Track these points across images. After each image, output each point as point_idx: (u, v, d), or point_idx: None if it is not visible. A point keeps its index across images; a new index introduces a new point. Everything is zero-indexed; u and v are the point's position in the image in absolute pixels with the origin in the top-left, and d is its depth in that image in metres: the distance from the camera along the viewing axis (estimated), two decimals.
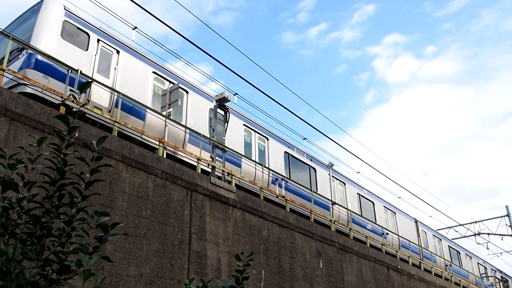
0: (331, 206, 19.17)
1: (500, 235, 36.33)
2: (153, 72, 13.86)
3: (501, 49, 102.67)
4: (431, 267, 24.62)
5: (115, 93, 11.80)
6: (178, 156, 13.14)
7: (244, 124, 16.63)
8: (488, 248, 38.38)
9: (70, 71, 10.51)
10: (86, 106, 10.35)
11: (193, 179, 11.66)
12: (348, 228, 18.77)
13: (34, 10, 12.01)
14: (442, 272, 25.72)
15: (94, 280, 2.18)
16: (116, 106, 11.79)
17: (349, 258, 17.02)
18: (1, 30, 9.88)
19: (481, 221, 37.41)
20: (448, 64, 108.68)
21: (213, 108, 14.50)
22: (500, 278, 38.19)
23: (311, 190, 17.62)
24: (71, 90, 10.55)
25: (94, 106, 11.50)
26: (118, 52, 13.05)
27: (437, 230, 33.20)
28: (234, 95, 16.17)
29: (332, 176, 20.92)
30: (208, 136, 13.93)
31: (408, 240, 24.08)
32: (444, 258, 28.50)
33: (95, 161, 2.67)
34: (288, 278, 13.55)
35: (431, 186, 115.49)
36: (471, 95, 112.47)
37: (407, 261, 22.70)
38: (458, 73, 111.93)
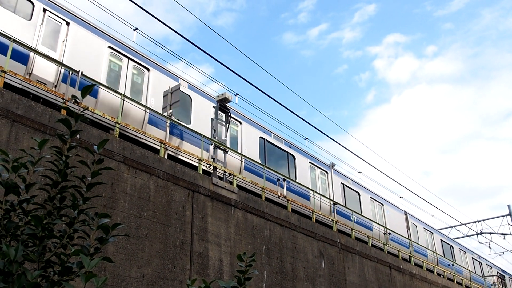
0: (311, 195, 18.18)
1: (502, 234, 36.28)
2: (109, 47, 12.76)
3: (502, 48, 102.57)
4: (423, 262, 23.77)
5: (63, 67, 10.94)
6: (180, 157, 13.15)
7: (214, 107, 15.23)
8: (490, 248, 38.36)
9: (12, 40, 9.57)
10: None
11: (194, 179, 11.66)
12: (330, 219, 17.70)
13: None
14: (434, 267, 24.84)
15: (95, 282, 2.19)
16: (64, 81, 11.05)
17: (351, 258, 17.01)
18: (2, 32, 9.87)
19: (483, 220, 37.38)
20: (449, 64, 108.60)
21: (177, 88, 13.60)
22: (496, 274, 37.44)
23: (287, 178, 16.55)
24: (73, 97, 10.55)
25: (37, 81, 10.65)
26: (68, 23, 11.98)
27: (439, 229, 33.02)
28: (235, 95, 16.18)
29: (313, 164, 19.67)
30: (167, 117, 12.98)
31: (396, 232, 22.92)
32: (436, 252, 27.19)
33: (96, 163, 2.68)
34: (290, 279, 13.55)
35: (432, 185, 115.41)
36: (471, 94, 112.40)
37: (409, 261, 22.68)
38: (458, 72, 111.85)
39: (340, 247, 16.61)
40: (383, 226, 22.12)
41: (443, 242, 29.95)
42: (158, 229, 10.24)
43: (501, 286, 36.05)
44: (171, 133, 13.29)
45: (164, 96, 13.43)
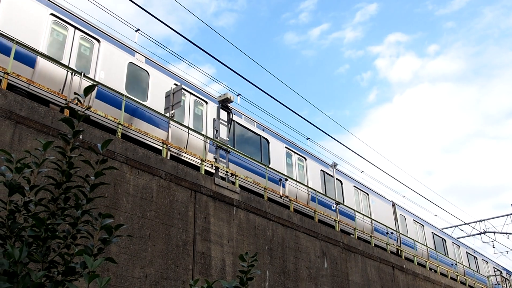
0: (284, 181, 16.84)
1: (506, 233, 36.23)
2: (52, 14, 11.60)
3: (504, 47, 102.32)
4: (414, 256, 22.91)
5: None
6: (182, 157, 13.17)
7: (175, 84, 14.22)
8: (494, 247, 38.27)
9: None
10: (91, 109, 10.16)
11: (197, 180, 11.68)
12: (308, 208, 16.72)
13: None
14: (427, 262, 23.98)
15: (99, 282, 2.21)
16: None
17: (354, 258, 17.01)
18: (4, 34, 9.91)
19: (486, 219, 37.33)
20: (451, 63, 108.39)
21: (133, 62, 12.99)
22: (493, 270, 36.52)
23: (258, 162, 15.24)
24: (75, 94, 10.58)
25: None
26: None
27: (442, 229, 32.82)
28: (237, 95, 16.20)
29: (289, 149, 18.39)
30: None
31: (381, 223, 21.67)
32: (426, 246, 25.81)
33: (100, 164, 2.70)
34: (293, 278, 13.56)
35: (435, 185, 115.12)
36: (474, 93, 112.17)
37: (412, 260, 22.66)
38: (461, 71, 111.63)
39: (343, 246, 16.61)
40: (367, 216, 20.82)
41: (434, 235, 28.49)
42: (160, 230, 10.27)
43: (498, 280, 35.27)
44: (125, 110, 12.09)
45: (166, 97, 13.45)
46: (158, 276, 9.82)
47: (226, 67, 12.92)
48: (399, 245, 23.01)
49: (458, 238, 36.04)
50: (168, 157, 12.13)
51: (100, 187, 9.08)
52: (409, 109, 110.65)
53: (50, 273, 2.47)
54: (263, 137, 17.20)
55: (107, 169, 2.75)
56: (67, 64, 11.19)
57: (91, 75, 11.81)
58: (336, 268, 15.72)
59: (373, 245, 19.20)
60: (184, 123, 13.86)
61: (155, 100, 13.32)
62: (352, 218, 20.22)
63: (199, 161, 12.73)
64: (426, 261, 23.97)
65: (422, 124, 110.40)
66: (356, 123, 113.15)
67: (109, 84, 11.84)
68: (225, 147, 13.65)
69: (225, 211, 12.21)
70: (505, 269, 38.25)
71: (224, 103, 14.16)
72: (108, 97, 11.88)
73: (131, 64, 13.06)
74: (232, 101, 14.09)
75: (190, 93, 14.73)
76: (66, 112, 9.71)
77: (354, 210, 19.92)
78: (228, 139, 14.15)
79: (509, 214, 36.06)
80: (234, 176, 13.38)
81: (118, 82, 12.45)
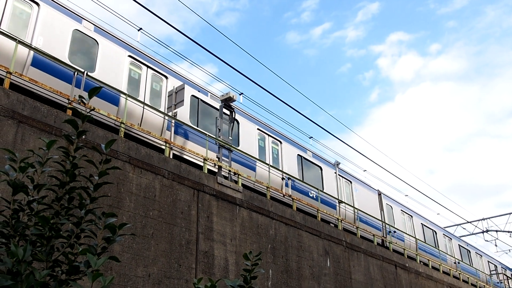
0: (257, 165, 15.75)
1: (508, 232, 36.16)
2: None
3: (506, 46, 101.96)
4: (404, 249, 22.00)
5: None
6: (185, 156, 13.18)
7: (130, 56, 13.20)
8: (496, 245, 38.22)
9: None
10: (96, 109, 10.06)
11: (199, 179, 11.69)
12: (282, 195, 15.65)
13: None
14: (417, 255, 23.07)
15: (102, 281, 2.21)
16: None
17: (357, 257, 17.00)
18: (4, 31, 9.93)
19: (489, 218, 37.27)
20: (453, 62, 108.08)
21: (80, 30, 12.03)
22: (488, 264, 34.36)
23: (224, 142, 13.75)
24: (80, 97, 10.59)
25: None
26: None
27: (444, 227, 32.66)
28: (240, 94, 16.18)
29: (262, 131, 17.06)
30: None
31: (365, 212, 20.32)
32: (415, 237, 24.44)
33: (103, 163, 2.70)
34: (296, 277, 13.57)
35: (437, 184, 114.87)
36: (476, 92, 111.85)
37: (415, 259, 22.63)
38: (462, 70, 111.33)
39: (346, 245, 16.60)
40: (350, 205, 19.58)
41: (424, 226, 27.06)
42: (163, 229, 10.28)
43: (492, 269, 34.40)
44: (67, 80, 11.14)
45: (168, 96, 13.46)
46: (161, 275, 9.84)
47: (229, 65, 12.93)
48: (384, 236, 21.88)
49: (460, 236, 35.95)
50: (171, 156, 12.14)
51: (103, 186, 9.08)
52: (411, 108, 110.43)
53: (54, 272, 2.47)
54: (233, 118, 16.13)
55: (111, 169, 2.75)
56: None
57: (27, 40, 10.89)
58: (339, 267, 15.72)
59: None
60: (140, 99, 12.63)
61: (106, 72, 12.19)
62: (333, 206, 19.10)
63: (202, 160, 12.73)
64: (417, 254, 23.07)
65: (424, 123, 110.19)
66: (358, 122, 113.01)
67: (49, 52, 10.90)
68: (227, 146, 13.65)
69: (228, 210, 12.22)
70: (500, 263, 37.29)
71: (226, 102, 14.14)
72: (47, 65, 10.93)
73: (76, 31, 11.99)
74: (235, 100, 14.07)
75: (148, 66, 13.55)
76: (69, 112, 9.72)
77: (334, 198, 18.67)
78: (231, 138, 14.13)
79: None
80: (237, 175, 13.39)
81: (59, 50, 11.42)
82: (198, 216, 11.25)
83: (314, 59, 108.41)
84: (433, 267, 23.76)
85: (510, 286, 34.40)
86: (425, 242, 25.20)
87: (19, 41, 9.77)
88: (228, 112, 14.56)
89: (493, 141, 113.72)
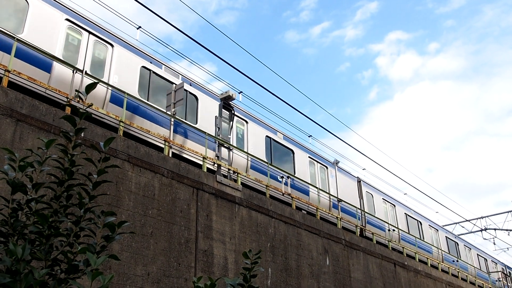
0: (216, 145, 14.05)
1: (506, 230, 36.24)
2: None
3: (504, 45, 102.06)
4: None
5: None
6: (184, 155, 13.16)
7: (68, 19, 11.84)
8: (494, 244, 38.29)
9: None
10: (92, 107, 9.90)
11: (199, 177, 11.68)
12: (247, 177, 14.27)
13: None
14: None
15: (102, 279, 2.20)
16: None
17: (356, 255, 17.01)
18: (5, 30, 9.90)
19: (487, 216, 37.33)
20: (451, 61, 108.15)
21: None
22: (477, 257, 33.32)
23: (173, 116, 12.69)
24: (76, 91, 10.55)
25: None
26: None
27: (443, 226, 32.61)
28: (239, 93, 16.16)
29: (226, 109, 15.49)
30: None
31: (341, 199, 19.07)
32: (397, 227, 23.13)
33: (102, 162, 2.69)
34: (295, 276, 13.57)
35: (436, 182, 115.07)
36: (474, 91, 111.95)
37: (413, 257, 22.66)
38: (461, 69, 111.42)
39: (345, 244, 16.61)
40: (324, 191, 18.22)
41: (408, 216, 25.75)
42: (163, 227, 10.27)
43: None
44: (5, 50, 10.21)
45: (167, 95, 13.43)
46: (161, 273, 9.83)
47: (228, 64, 12.91)
48: (363, 225, 20.70)
49: (459, 235, 35.97)
50: (170, 155, 12.12)
51: (102, 185, 9.08)
52: (410, 107, 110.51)
53: (53, 271, 2.46)
54: (191, 93, 14.52)
55: (110, 167, 2.74)
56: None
57: None
58: (338, 265, 15.73)
59: (375, 242, 19.20)
60: (78, 67, 11.29)
61: (36, 35, 11.00)
62: (306, 192, 17.83)
63: (201, 159, 12.72)
64: (405, 248, 22.02)
65: (423, 122, 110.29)
66: (357, 121, 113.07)
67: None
68: (227, 144, 13.63)
69: (227, 209, 12.21)
70: (490, 256, 36.49)
71: (226, 101, 14.12)
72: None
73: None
74: (234, 99, 14.05)
75: (89, 32, 12.16)
76: (68, 110, 9.70)
77: (307, 183, 17.32)
78: (230, 136, 14.10)
79: (510, 211, 36.06)
80: (236, 174, 13.37)
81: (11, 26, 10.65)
82: (197, 215, 11.25)
83: (313, 58, 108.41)
84: (432, 265, 23.79)
85: (502, 279, 34.25)
86: (408, 233, 24.03)
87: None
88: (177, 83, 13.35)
89: (492, 140, 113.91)
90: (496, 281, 33.75)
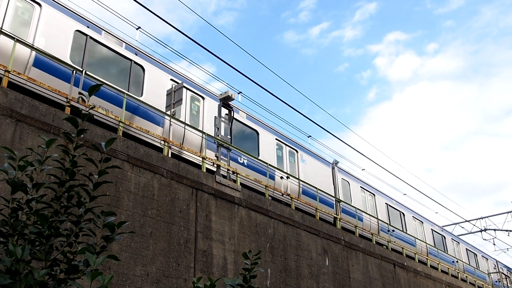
0: (168, 121, 13.11)
1: (506, 230, 36.24)
2: None
3: (502, 45, 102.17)
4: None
5: None
6: (183, 156, 13.15)
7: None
8: (494, 244, 38.30)
9: None
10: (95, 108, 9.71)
11: (198, 178, 11.68)
12: (200, 157, 12.91)
13: None
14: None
15: (101, 280, 2.20)
16: None
17: (355, 256, 17.01)
18: (4, 31, 9.89)
19: (487, 217, 37.34)
20: (450, 61, 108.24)
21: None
22: (466, 251, 31.98)
23: (118, 90, 11.63)
24: (79, 93, 10.56)
25: None
26: None
27: (443, 226, 32.50)
28: (238, 93, 16.16)
29: (177, 83, 14.14)
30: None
31: (310, 185, 17.44)
32: (377, 218, 21.84)
33: (103, 162, 2.69)
34: (294, 276, 13.57)
35: (435, 182, 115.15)
36: (473, 91, 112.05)
37: (413, 257, 22.65)
38: (460, 69, 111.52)
39: (344, 244, 16.61)
40: (293, 176, 16.90)
41: (389, 206, 24.21)
42: (162, 228, 10.27)
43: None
44: None
45: (167, 95, 13.42)
46: (160, 274, 9.83)
47: (227, 64, 12.90)
48: (337, 214, 19.30)
49: (459, 235, 35.95)
50: (169, 155, 12.12)
51: (101, 186, 9.06)
52: (409, 107, 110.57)
53: (53, 271, 2.46)
54: (136, 63, 13.12)
55: (111, 167, 2.74)
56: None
57: None
58: (337, 266, 15.73)
59: (374, 242, 19.19)
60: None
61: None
62: (271, 176, 16.41)
63: (201, 159, 12.71)
64: (389, 241, 21.10)
65: (422, 122, 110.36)
66: (356, 121, 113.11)
67: None
68: (227, 144, 13.62)
69: (226, 209, 12.21)
70: (480, 251, 35.16)
71: (225, 101, 14.11)
72: None
73: None
74: (233, 99, 14.03)
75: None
76: (67, 110, 9.70)
77: (270, 165, 15.73)
78: (229, 137, 14.08)
79: (510, 212, 36.08)
80: (235, 174, 13.37)
81: None
82: (196, 215, 11.24)
83: (312, 58, 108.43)
84: (431, 266, 23.80)
85: (491, 273, 33.97)
86: (389, 224, 22.69)
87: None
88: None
89: (491, 140, 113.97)
90: (496, 281, 33.69)
